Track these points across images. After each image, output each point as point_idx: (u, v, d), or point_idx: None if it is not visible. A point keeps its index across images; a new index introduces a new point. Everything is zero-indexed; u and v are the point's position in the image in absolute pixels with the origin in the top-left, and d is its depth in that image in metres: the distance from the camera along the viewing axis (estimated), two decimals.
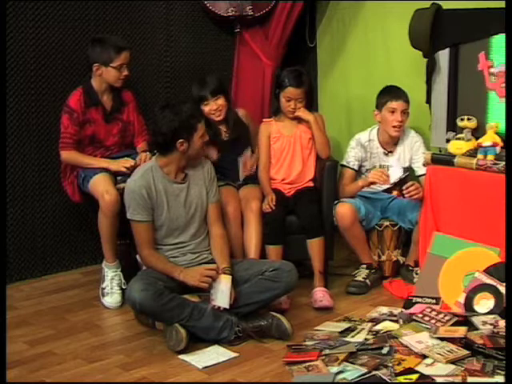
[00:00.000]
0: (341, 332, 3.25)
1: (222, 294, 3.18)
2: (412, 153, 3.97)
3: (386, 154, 3.99)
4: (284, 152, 3.95)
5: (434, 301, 3.42)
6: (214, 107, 3.83)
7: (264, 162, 3.93)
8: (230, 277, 3.22)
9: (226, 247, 3.42)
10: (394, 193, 3.88)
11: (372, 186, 3.93)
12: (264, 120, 4.06)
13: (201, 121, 3.32)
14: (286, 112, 3.92)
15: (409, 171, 3.99)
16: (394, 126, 3.87)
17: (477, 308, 3.29)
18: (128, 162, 3.68)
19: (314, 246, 3.73)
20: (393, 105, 3.85)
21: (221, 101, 3.84)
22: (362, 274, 3.89)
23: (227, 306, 3.17)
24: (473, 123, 3.69)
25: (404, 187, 3.77)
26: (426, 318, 3.24)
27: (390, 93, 3.89)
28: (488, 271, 3.35)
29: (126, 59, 3.72)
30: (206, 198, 3.43)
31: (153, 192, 3.30)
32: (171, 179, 3.35)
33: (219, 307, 3.17)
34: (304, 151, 3.97)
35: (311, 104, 4.04)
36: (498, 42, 3.60)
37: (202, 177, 3.44)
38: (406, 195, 3.77)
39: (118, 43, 3.74)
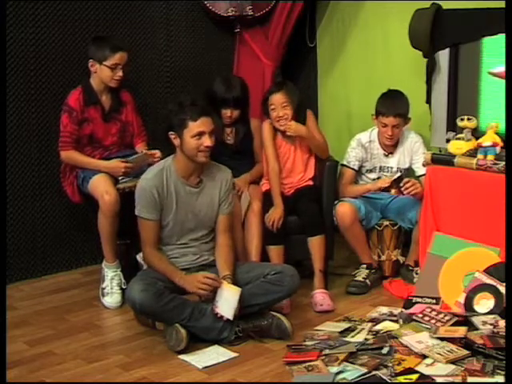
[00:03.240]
0: (341, 332, 3.25)
1: (229, 305, 3.12)
2: (412, 154, 3.97)
3: (386, 156, 3.99)
4: (285, 157, 3.94)
5: (434, 301, 3.42)
6: (228, 114, 3.88)
7: (273, 165, 3.85)
8: (240, 289, 3.16)
9: (232, 258, 3.36)
10: (393, 191, 3.87)
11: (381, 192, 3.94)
12: (266, 120, 3.95)
13: (196, 120, 3.19)
14: (276, 124, 3.83)
15: (406, 171, 4.00)
16: (385, 137, 3.88)
17: (477, 308, 3.29)
18: (124, 166, 3.66)
19: (315, 244, 3.73)
20: (384, 120, 3.84)
21: (237, 112, 3.88)
22: (362, 273, 3.89)
23: (231, 318, 3.13)
24: (473, 123, 3.69)
25: (401, 184, 3.78)
26: (426, 318, 3.24)
27: (384, 105, 3.85)
28: (488, 271, 3.35)
29: (120, 60, 3.71)
30: (217, 208, 3.38)
31: (164, 192, 3.27)
32: (184, 181, 3.31)
33: (222, 316, 3.14)
34: (304, 156, 3.96)
35: (303, 117, 3.91)
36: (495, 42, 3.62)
37: (218, 186, 3.38)
38: (404, 192, 3.77)
39: (115, 43, 3.75)
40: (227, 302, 3.13)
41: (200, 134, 3.19)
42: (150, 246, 3.30)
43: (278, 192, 3.81)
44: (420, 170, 3.91)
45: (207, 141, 3.20)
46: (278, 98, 3.81)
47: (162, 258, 3.31)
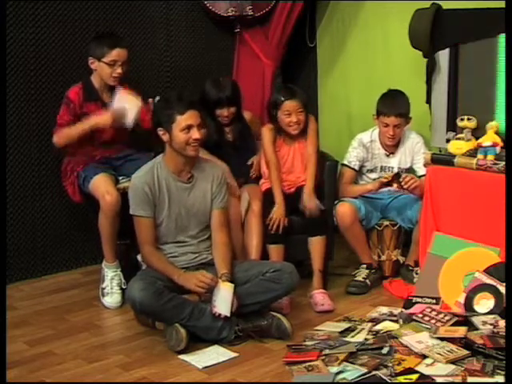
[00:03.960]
0: (341, 332, 3.24)
1: (225, 302, 3.13)
2: (413, 154, 3.97)
3: (388, 156, 4.00)
4: (283, 159, 3.93)
5: (434, 301, 3.42)
6: (225, 113, 3.91)
7: (274, 163, 3.86)
8: (233, 285, 3.18)
9: (229, 256, 3.36)
10: (395, 186, 3.86)
11: (380, 191, 3.95)
12: (266, 125, 3.99)
13: (183, 113, 3.20)
14: (289, 128, 3.84)
15: (407, 171, 4.00)
16: (387, 137, 3.89)
17: (477, 308, 3.29)
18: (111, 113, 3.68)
19: (315, 244, 3.73)
20: (385, 120, 3.84)
21: (233, 109, 3.92)
22: (361, 273, 3.89)
23: (228, 314, 3.13)
24: (473, 123, 3.69)
25: (401, 179, 3.80)
26: (426, 318, 3.24)
27: (385, 105, 3.85)
28: (488, 271, 3.35)
29: (119, 57, 3.70)
30: (209, 202, 3.39)
31: (156, 189, 3.28)
32: (175, 177, 3.33)
33: (220, 314, 3.14)
34: (303, 160, 3.96)
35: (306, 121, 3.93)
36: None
37: (210, 180, 3.39)
38: (404, 186, 3.80)
39: (113, 40, 3.73)
40: (223, 299, 3.14)
41: (188, 128, 3.21)
42: (147, 245, 3.31)
43: (279, 190, 3.81)
44: (421, 170, 3.90)
45: (195, 134, 3.23)
46: (294, 105, 3.82)
47: (161, 257, 3.31)
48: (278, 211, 3.74)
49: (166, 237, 3.36)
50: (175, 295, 3.16)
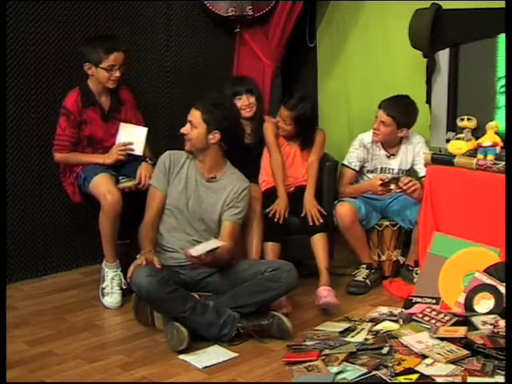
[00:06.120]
0: (341, 332, 3.25)
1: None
2: (414, 154, 3.97)
3: (388, 157, 4.00)
4: (283, 157, 3.96)
5: (434, 301, 3.42)
6: (245, 102, 3.97)
7: (275, 156, 3.91)
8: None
9: (222, 256, 3.33)
10: (393, 186, 3.85)
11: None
12: (268, 120, 4.05)
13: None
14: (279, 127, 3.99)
15: (407, 173, 4.00)
16: (373, 130, 3.92)
17: (477, 308, 3.29)
18: (122, 150, 3.75)
19: (318, 241, 3.72)
20: (377, 113, 3.88)
21: (253, 99, 3.98)
22: (362, 273, 3.90)
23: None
24: (473, 123, 3.69)
25: (401, 183, 3.79)
26: (426, 318, 3.24)
27: (385, 101, 3.88)
28: (488, 271, 3.36)
29: (116, 61, 3.68)
30: (218, 210, 3.42)
31: (176, 168, 3.43)
32: (199, 172, 3.43)
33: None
34: (304, 158, 3.98)
35: (312, 137, 3.98)
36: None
37: (229, 190, 3.43)
38: (404, 187, 3.78)
39: (109, 44, 3.70)
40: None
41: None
42: (147, 215, 3.41)
43: (281, 184, 3.85)
44: (422, 170, 3.90)
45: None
46: (285, 114, 3.91)
47: (148, 233, 3.37)
48: (280, 203, 3.78)
49: (171, 220, 3.41)
50: (180, 287, 3.18)
